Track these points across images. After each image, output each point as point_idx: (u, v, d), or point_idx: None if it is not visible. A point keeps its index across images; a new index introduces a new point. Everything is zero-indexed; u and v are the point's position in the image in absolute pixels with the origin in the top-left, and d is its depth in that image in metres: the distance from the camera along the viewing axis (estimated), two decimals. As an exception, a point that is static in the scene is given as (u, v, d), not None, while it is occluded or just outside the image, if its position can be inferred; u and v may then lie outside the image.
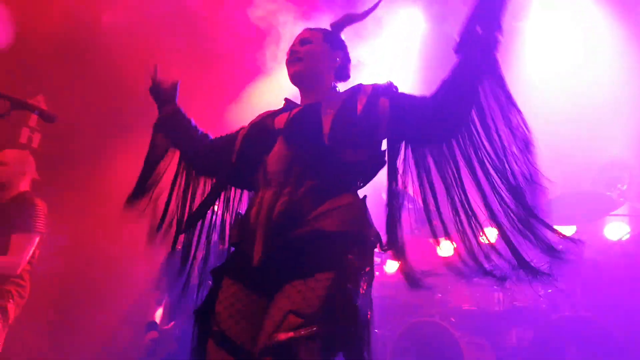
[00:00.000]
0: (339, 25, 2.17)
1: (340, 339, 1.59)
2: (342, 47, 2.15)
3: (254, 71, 5.24)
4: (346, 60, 2.16)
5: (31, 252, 3.44)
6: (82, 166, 5.28)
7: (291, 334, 1.54)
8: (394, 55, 5.69)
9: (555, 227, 1.72)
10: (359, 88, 1.98)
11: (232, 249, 1.98)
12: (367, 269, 1.76)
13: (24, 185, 3.65)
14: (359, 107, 1.87)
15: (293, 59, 2.05)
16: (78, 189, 5.22)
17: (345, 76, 2.16)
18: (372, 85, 1.96)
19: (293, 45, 2.10)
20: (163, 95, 2.30)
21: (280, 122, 1.97)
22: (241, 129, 2.10)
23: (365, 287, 1.71)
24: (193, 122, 2.27)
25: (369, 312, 1.70)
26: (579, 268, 3.79)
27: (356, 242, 1.77)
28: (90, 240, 5.20)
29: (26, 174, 3.67)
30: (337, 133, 1.81)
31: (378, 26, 5.40)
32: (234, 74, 5.47)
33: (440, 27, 5.45)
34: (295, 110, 1.99)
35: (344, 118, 1.85)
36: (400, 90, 1.96)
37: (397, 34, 5.69)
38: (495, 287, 4.00)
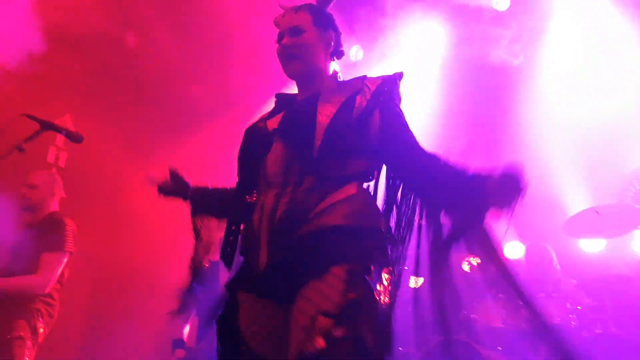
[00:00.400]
0: (326, 0, 2.01)
1: (367, 333, 1.50)
2: (332, 24, 1.99)
3: (272, 79, 5.25)
4: (338, 37, 2.01)
5: (60, 271, 3.46)
6: (110, 183, 5.35)
7: (325, 338, 1.46)
8: (413, 74, 5.62)
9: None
10: (362, 85, 1.86)
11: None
12: (385, 269, 1.67)
13: (54, 206, 3.72)
14: (356, 113, 1.77)
15: (287, 56, 1.91)
16: (106, 204, 5.29)
17: (340, 54, 2.02)
18: (376, 83, 1.85)
19: (282, 35, 1.93)
20: (174, 189, 2.23)
21: (274, 122, 1.89)
22: None
23: (385, 284, 1.63)
24: (218, 189, 2.20)
25: (390, 308, 1.63)
26: (608, 283, 3.71)
27: (363, 234, 1.68)
28: (118, 257, 5.25)
29: (55, 194, 3.73)
30: (327, 147, 1.71)
31: (397, 47, 5.40)
32: (255, 84, 5.48)
33: (463, 49, 5.38)
34: (290, 108, 1.92)
35: (339, 128, 1.74)
36: (405, 91, 1.89)
37: (417, 54, 5.64)
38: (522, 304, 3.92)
